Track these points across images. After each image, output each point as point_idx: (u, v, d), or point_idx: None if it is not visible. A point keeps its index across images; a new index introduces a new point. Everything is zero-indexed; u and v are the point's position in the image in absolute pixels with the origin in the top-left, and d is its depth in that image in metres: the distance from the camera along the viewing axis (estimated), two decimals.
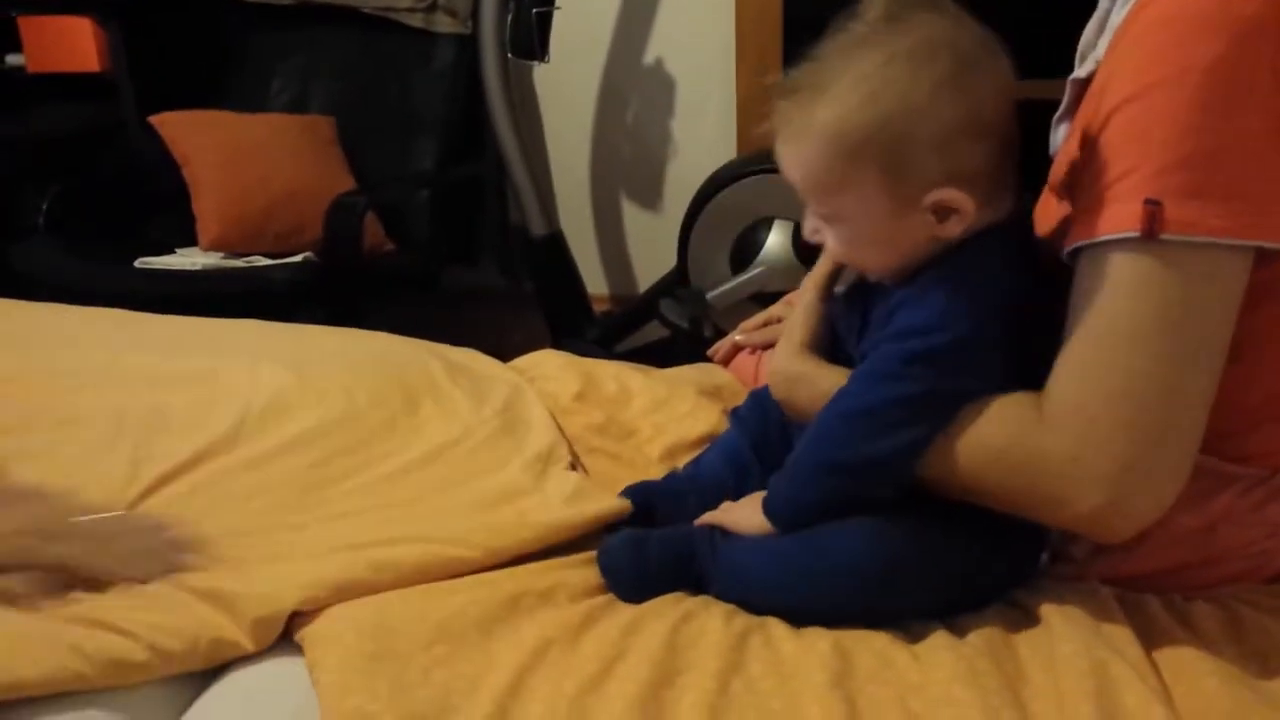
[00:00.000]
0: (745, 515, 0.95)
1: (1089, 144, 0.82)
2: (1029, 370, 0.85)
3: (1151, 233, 0.76)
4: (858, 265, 0.94)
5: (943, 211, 0.85)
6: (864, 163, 0.84)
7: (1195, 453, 0.80)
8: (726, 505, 0.99)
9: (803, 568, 0.90)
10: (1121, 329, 0.78)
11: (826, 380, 0.95)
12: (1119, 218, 0.78)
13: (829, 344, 1.01)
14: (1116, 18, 0.87)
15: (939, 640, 0.85)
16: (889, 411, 0.86)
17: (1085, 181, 0.82)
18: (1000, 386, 0.85)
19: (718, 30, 2.82)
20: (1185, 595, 0.91)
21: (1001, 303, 0.85)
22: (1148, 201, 0.76)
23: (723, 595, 0.93)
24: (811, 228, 0.93)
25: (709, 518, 0.98)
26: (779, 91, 0.89)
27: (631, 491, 1.07)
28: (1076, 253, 0.82)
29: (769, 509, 0.93)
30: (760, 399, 1.11)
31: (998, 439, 0.83)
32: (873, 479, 0.88)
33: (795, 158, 0.88)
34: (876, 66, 0.83)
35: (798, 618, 0.89)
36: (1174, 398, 0.78)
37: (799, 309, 1.04)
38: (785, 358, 1.01)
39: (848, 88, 0.84)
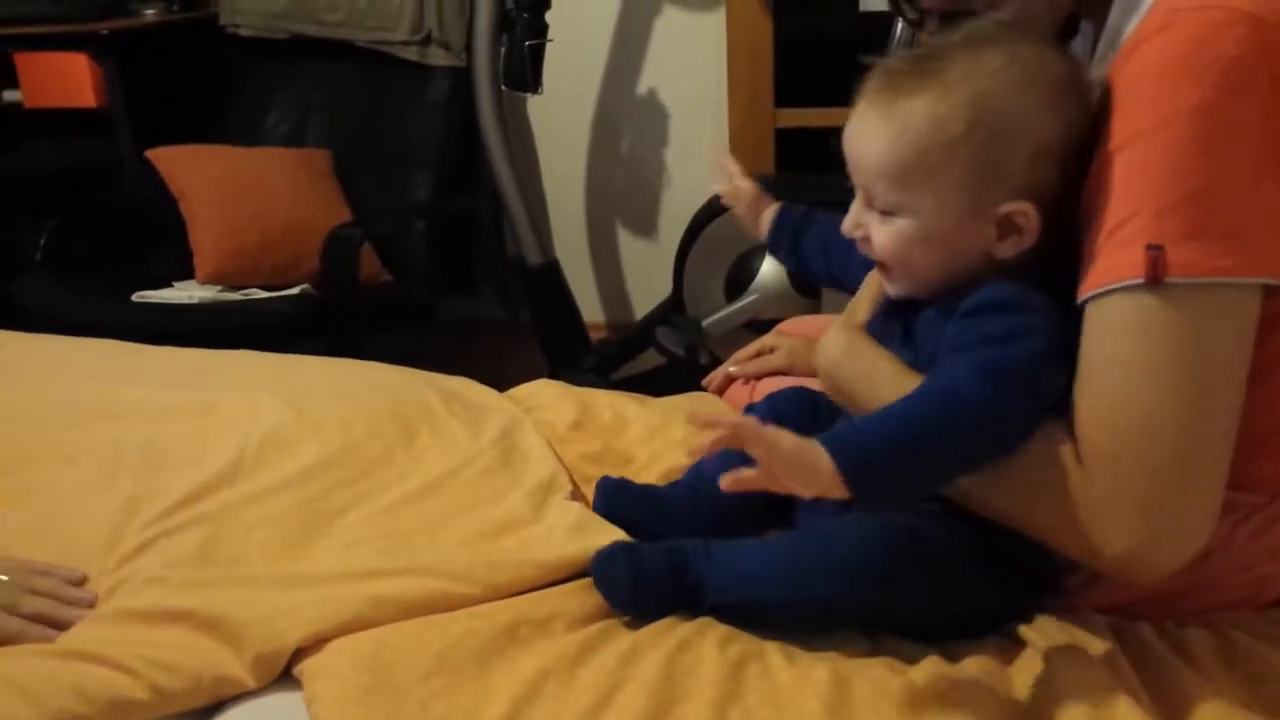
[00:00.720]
0: (800, 456, 0.78)
1: (1084, 195, 0.83)
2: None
3: (1156, 277, 0.77)
4: (901, 267, 0.90)
5: (1007, 227, 0.85)
6: (956, 156, 0.83)
7: (1222, 490, 0.80)
8: (770, 433, 0.79)
9: (800, 563, 0.89)
10: (1135, 371, 0.79)
11: (881, 364, 0.92)
12: (1122, 265, 0.78)
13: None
14: (1097, 73, 0.88)
15: (934, 670, 0.85)
16: (1012, 418, 0.81)
17: (1086, 232, 0.83)
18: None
19: (710, 60, 2.84)
20: (1179, 622, 0.91)
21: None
22: (1149, 247, 0.77)
23: (718, 597, 0.91)
24: (855, 221, 0.90)
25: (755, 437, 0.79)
26: (884, 67, 0.87)
27: (607, 484, 1.08)
28: (1083, 302, 0.82)
29: (854, 479, 0.78)
30: (759, 416, 1.10)
31: (1041, 476, 0.82)
32: (958, 476, 0.84)
33: (884, 135, 0.85)
34: (997, 66, 0.83)
35: (791, 616, 0.89)
36: (1193, 436, 0.79)
37: (863, 290, 1.00)
38: (843, 328, 0.98)
39: (962, 77, 0.83)
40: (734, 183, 1.23)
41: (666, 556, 0.94)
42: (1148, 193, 0.78)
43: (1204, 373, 0.79)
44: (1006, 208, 0.84)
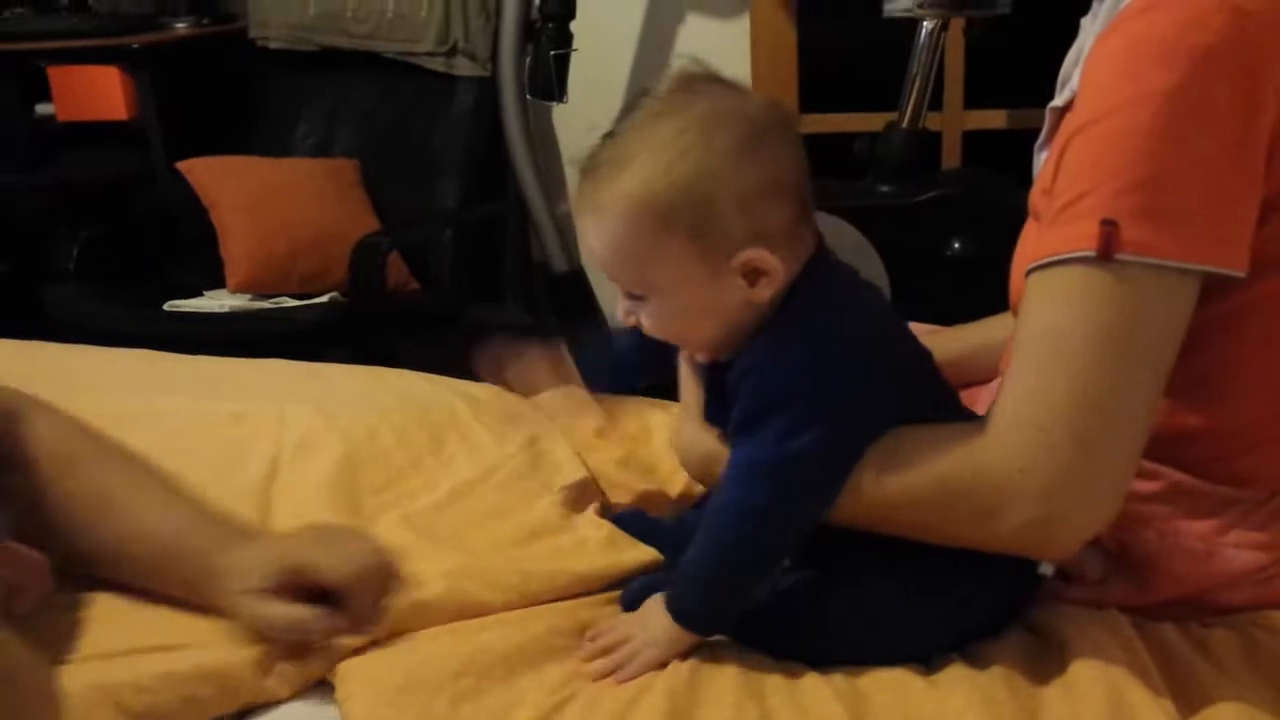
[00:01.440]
0: (645, 628, 0.89)
1: (1056, 168, 0.84)
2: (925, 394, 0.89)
3: (1107, 252, 0.77)
4: (679, 343, 0.93)
5: (752, 274, 0.85)
6: (670, 229, 0.83)
7: (1134, 471, 0.81)
8: (620, 625, 0.91)
9: (815, 623, 0.91)
10: (1074, 343, 0.79)
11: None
12: (1076, 237, 0.79)
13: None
14: (1088, 48, 0.89)
15: (956, 671, 0.86)
16: (784, 506, 0.86)
17: (1049, 203, 0.84)
18: (909, 404, 0.87)
19: (734, 68, 2.83)
20: (1202, 623, 0.91)
21: (859, 329, 0.88)
22: (1104, 222, 0.78)
23: (741, 642, 0.92)
24: (625, 309, 0.90)
25: (593, 656, 0.90)
26: (581, 171, 0.88)
27: (626, 518, 1.10)
28: (1031, 271, 0.83)
29: (684, 616, 0.88)
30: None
31: (942, 464, 0.83)
32: (782, 555, 0.90)
33: (601, 233, 0.86)
34: (673, 135, 0.83)
35: (815, 665, 0.90)
36: (1120, 412, 0.80)
37: (683, 383, 1.01)
38: (691, 437, 0.99)
39: (648, 158, 0.83)
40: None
41: None
42: (1109, 169, 0.79)
43: (1140, 350, 0.79)
44: (739, 259, 0.84)
